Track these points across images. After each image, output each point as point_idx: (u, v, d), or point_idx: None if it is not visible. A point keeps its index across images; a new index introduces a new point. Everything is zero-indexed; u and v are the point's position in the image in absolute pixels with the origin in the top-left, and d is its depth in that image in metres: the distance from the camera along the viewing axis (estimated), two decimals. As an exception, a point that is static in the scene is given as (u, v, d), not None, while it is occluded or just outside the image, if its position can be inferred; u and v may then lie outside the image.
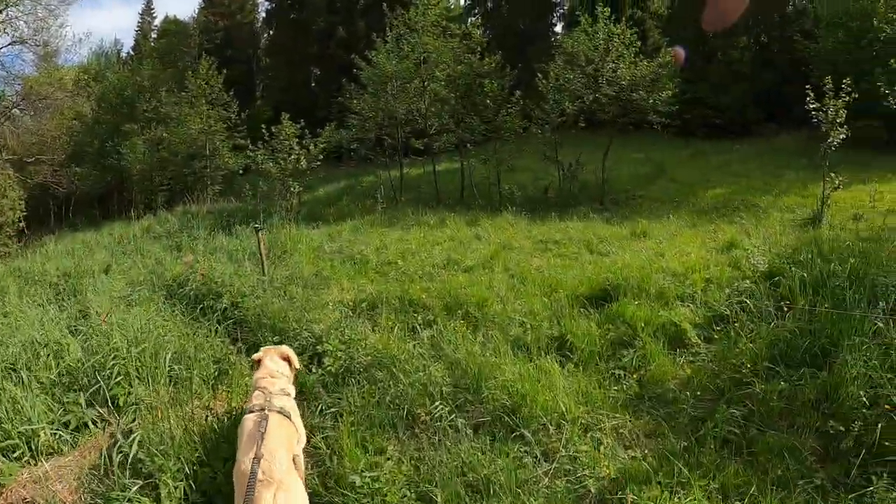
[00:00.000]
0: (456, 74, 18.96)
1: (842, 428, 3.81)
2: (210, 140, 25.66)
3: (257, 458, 3.14)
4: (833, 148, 11.90)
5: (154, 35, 52.11)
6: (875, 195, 11.74)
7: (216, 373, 5.61)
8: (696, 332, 5.55)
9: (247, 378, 5.17)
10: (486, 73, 18.66)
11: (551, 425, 4.33)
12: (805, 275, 5.82)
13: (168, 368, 5.35)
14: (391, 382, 5.04)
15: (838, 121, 11.62)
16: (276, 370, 4.18)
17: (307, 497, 3.35)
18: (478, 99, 19.01)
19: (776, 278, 6.29)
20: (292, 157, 17.18)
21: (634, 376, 5.00)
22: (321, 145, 17.77)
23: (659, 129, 17.75)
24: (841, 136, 11.72)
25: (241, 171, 26.61)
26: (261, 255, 8.63)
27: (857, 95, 11.81)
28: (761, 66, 30.55)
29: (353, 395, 4.96)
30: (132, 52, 47.83)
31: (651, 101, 16.44)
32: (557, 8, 43.80)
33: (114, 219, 25.65)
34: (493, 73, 18.77)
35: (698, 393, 4.63)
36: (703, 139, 28.03)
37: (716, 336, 5.43)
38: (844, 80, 11.70)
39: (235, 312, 7.33)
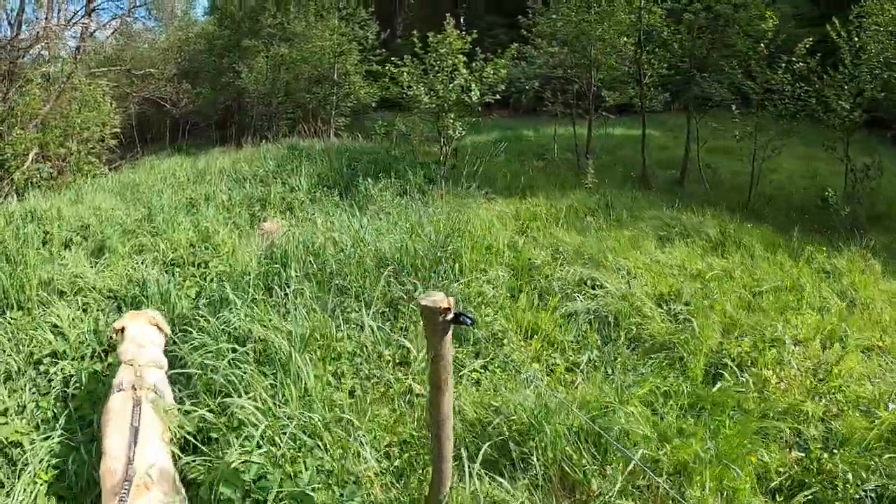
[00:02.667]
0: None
1: None
2: (340, 62, 19.07)
3: (131, 462, 2.47)
4: None
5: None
6: None
7: None
8: None
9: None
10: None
11: None
12: None
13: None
14: None
15: None
16: (144, 339, 3.33)
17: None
18: (737, 38, 11.73)
19: None
20: (456, 82, 10.31)
21: None
22: (502, 71, 10.71)
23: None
24: None
25: (373, 105, 20.13)
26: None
27: None
28: None
29: None
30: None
31: None
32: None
33: (230, 143, 21.32)
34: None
35: None
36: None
37: None
38: None
39: None
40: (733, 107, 11.82)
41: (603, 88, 15.04)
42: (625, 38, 13.46)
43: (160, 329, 3.52)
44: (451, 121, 10.12)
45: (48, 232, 7.03)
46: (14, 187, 14.44)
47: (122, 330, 3.37)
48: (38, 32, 17.14)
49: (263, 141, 17.68)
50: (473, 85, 9.93)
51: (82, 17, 18.90)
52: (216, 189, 8.88)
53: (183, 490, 2.61)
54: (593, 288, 5.28)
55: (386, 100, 20.03)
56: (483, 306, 4.50)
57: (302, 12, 22.62)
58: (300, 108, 21.55)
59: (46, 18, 19.10)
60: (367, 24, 19.52)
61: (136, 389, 2.83)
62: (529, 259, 5.61)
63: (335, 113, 18.80)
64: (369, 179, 8.79)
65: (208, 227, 6.10)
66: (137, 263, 5.11)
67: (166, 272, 5.01)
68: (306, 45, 19.57)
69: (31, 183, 15.10)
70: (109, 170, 20.42)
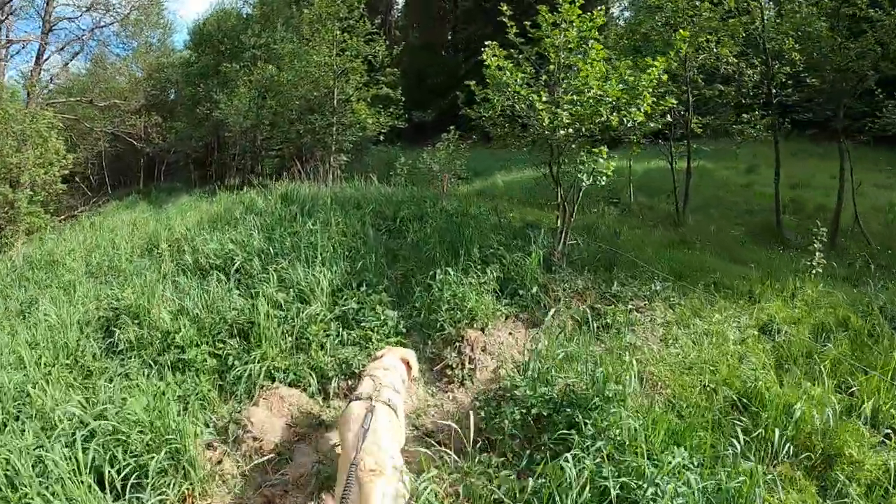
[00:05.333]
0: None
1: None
2: (340, 85, 14.39)
3: (358, 451, 2.66)
4: None
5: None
6: None
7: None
8: None
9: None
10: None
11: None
12: None
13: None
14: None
15: None
16: (391, 365, 3.52)
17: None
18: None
19: None
20: (591, 92, 5.39)
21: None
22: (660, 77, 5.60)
23: None
24: None
25: (381, 137, 15.41)
26: None
27: None
28: None
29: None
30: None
31: None
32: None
33: (210, 184, 18.06)
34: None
35: None
36: None
37: None
38: None
39: None
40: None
41: (694, 114, 10.86)
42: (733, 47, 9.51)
43: (409, 366, 3.67)
44: (588, 155, 5.32)
45: None
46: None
47: (381, 357, 3.58)
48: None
49: (245, 185, 13.10)
50: (643, 99, 5.20)
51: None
52: (159, 293, 4.42)
53: (408, 483, 2.77)
54: None
55: (394, 129, 15.55)
56: None
57: (291, 30, 18.29)
58: (290, 143, 16.95)
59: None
60: (373, 38, 14.86)
61: (371, 399, 3.00)
62: None
63: (335, 149, 14.01)
64: (449, 270, 4.41)
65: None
66: None
67: None
68: (299, 64, 15.03)
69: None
70: (62, 220, 16.33)
